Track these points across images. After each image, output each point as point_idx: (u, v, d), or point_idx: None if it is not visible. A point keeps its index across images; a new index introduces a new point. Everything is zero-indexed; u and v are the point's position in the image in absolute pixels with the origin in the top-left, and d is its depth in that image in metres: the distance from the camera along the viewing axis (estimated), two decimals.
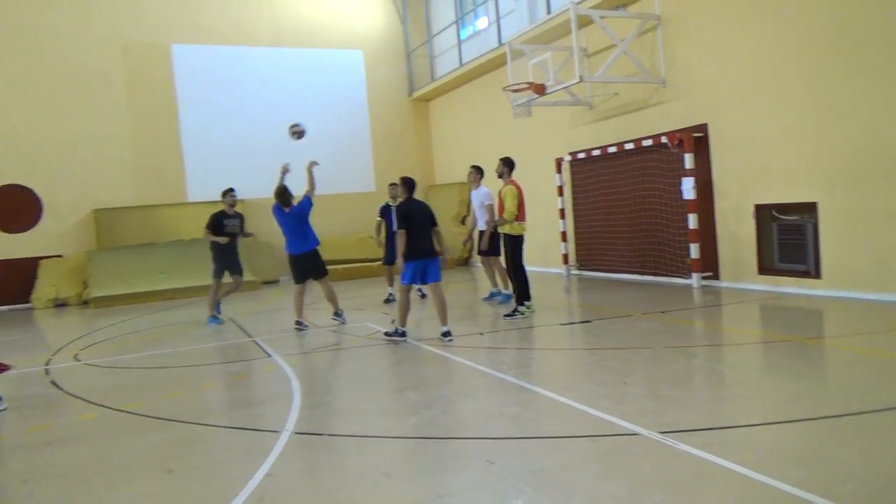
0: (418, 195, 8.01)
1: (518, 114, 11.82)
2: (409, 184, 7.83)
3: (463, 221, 17.35)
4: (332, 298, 9.29)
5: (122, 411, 5.55)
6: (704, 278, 10.31)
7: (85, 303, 14.78)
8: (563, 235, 13.51)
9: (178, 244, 15.96)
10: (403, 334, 7.69)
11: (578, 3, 10.54)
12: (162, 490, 3.87)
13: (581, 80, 10.16)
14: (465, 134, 17.39)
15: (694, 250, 10.26)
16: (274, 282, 16.74)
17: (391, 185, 11.28)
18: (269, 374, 6.72)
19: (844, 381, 5.29)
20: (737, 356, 6.24)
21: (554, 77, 10.90)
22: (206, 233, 10.11)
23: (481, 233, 9.91)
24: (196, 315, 11.64)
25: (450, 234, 16.61)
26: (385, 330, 8.13)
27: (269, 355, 7.54)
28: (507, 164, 8.97)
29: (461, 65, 16.14)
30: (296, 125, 9.52)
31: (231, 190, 10.48)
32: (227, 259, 10.21)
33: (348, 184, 18.15)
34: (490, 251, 9.90)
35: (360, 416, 5.07)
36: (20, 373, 7.39)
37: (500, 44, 14.14)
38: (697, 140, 10.11)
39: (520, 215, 8.76)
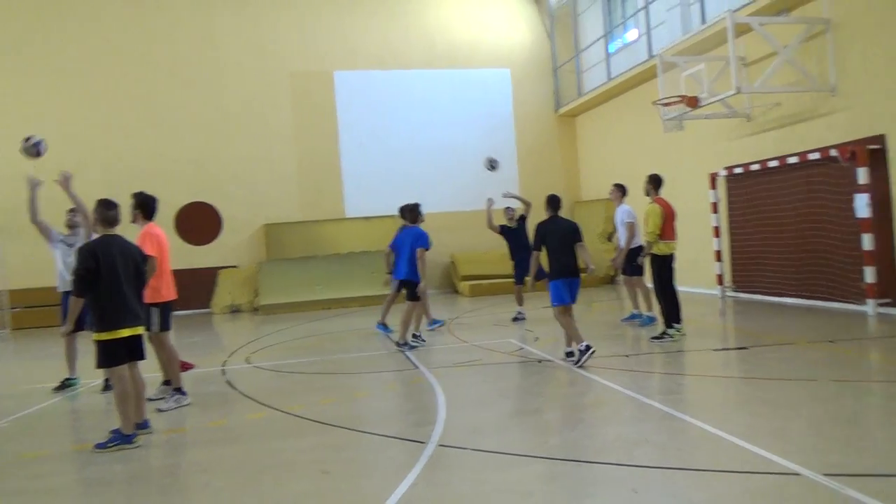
0: (564, 212, 7.94)
1: (669, 128, 11.43)
2: (550, 202, 7.73)
3: (609, 238, 17.01)
4: (404, 322, 9.10)
5: (286, 413, 6.05)
6: (882, 305, 9.33)
7: (255, 309, 16.18)
8: (718, 255, 12.80)
9: (335, 257, 17.04)
10: (588, 348, 7.14)
11: (736, 11, 10.03)
12: (319, 489, 4.20)
13: (738, 91, 9.64)
14: (613, 149, 17.04)
15: (869, 274, 9.33)
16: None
17: (507, 208, 11.40)
18: (417, 385, 7.01)
19: None
20: None
21: (708, 89, 10.43)
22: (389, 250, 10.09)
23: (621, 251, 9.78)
24: (349, 324, 12.40)
25: (596, 252, 16.35)
26: (566, 351, 7.60)
27: (416, 367, 7.85)
28: (652, 182, 8.68)
29: (609, 79, 15.86)
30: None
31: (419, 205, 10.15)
32: None
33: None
34: (630, 271, 9.68)
35: (503, 432, 5.16)
36: (201, 372, 8.27)
37: (651, 56, 13.74)
38: (873, 153, 9.22)
39: (666, 234, 8.42)
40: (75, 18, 16.53)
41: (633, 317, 10.08)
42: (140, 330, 5.65)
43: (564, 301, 7.43)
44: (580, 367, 7.09)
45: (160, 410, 6.36)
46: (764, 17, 10.21)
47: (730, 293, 12.68)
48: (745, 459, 4.17)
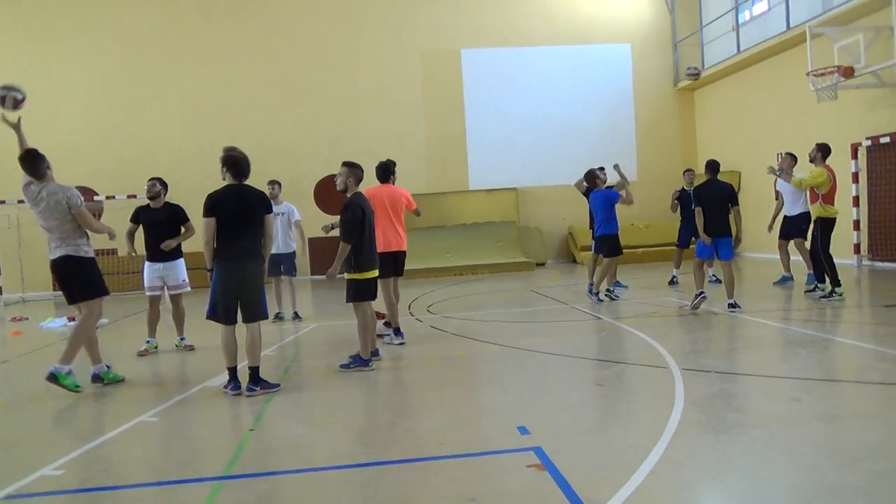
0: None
1: (822, 98, 11.70)
2: (708, 166, 8.72)
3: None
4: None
5: (517, 348, 6.97)
6: None
7: None
8: (856, 224, 13.02)
9: (461, 227, 18.02)
10: (700, 295, 8.50)
11: None
12: (606, 393, 5.10)
13: None
14: (735, 122, 17.25)
15: None
16: (542, 264, 18.10)
17: (686, 171, 11.90)
18: (615, 331, 7.82)
19: None
20: None
21: (864, 59, 10.69)
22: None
23: (786, 217, 10.17)
24: (492, 287, 13.34)
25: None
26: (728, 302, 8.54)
27: (599, 317, 8.67)
28: (820, 150, 9.19)
29: (738, 51, 16.06)
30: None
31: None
32: None
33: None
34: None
35: (716, 357, 5.97)
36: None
37: (788, 28, 13.93)
38: None
39: (830, 199, 8.92)
40: (222, 4, 18.03)
41: (784, 279, 10.54)
42: (378, 272, 6.66)
43: (704, 255, 8.59)
44: (693, 308, 8.44)
45: (393, 344, 7.40)
46: None
47: (866, 262, 12.92)
48: None
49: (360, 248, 6.42)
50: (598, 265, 10.48)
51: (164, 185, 7.78)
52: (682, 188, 11.65)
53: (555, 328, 8.30)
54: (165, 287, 7.73)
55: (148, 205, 7.73)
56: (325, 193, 18.12)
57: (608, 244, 10.21)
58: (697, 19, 18.65)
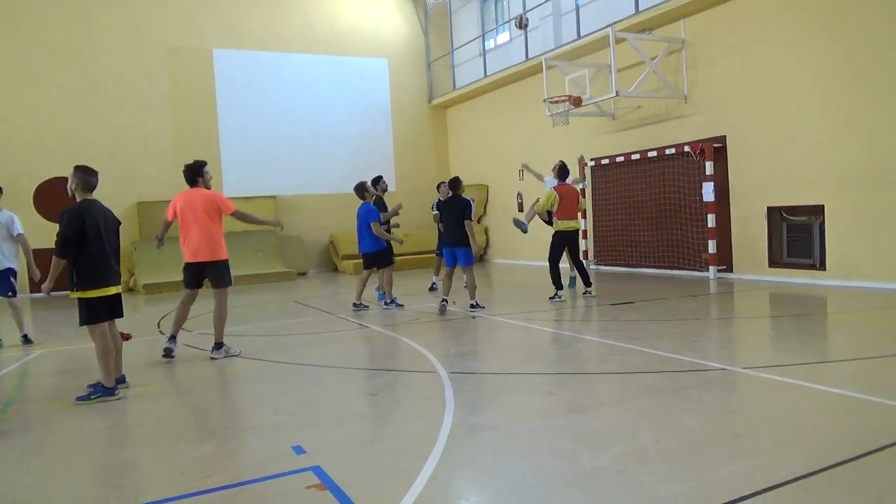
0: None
1: (557, 122, 13.13)
2: (449, 183, 9.67)
3: (479, 220, 18.70)
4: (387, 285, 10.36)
5: (286, 363, 6.67)
6: (719, 271, 11.74)
7: (130, 289, 15.65)
8: (584, 233, 14.85)
9: None
10: (443, 301, 9.32)
11: (613, 25, 11.92)
12: (380, 403, 5.06)
13: (617, 94, 11.54)
14: (483, 139, 18.69)
15: (711, 246, 11.69)
16: (303, 274, 17.78)
17: (440, 183, 12.49)
18: (383, 340, 7.89)
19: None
20: (764, 325, 7.62)
21: (589, 91, 12.25)
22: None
23: None
24: (253, 299, 12.71)
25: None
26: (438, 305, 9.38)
27: (367, 326, 8.69)
28: (558, 171, 10.33)
29: (486, 76, 17.42)
30: None
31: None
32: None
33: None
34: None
35: (479, 362, 6.31)
36: (147, 340, 8.42)
37: (528, 58, 15.46)
38: (716, 150, 11.56)
39: (561, 214, 10.06)
40: None
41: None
42: (120, 289, 5.87)
43: (448, 265, 9.53)
44: (440, 312, 9.17)
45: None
46: (633, 33, 12.20)
47: (592, 266, 14.80)
48: (684, 363, 5.71)
49: (84, 263, 5.54)
50: (382, 277, 10.45)
51: None
52: (438, 199, 12.19)
53: (322, 339, 8.12)
54: None
55: None
56: (49, 198, 15.78)
57: (365, 259, 10.30)
58: (449, 42, 19.86)
